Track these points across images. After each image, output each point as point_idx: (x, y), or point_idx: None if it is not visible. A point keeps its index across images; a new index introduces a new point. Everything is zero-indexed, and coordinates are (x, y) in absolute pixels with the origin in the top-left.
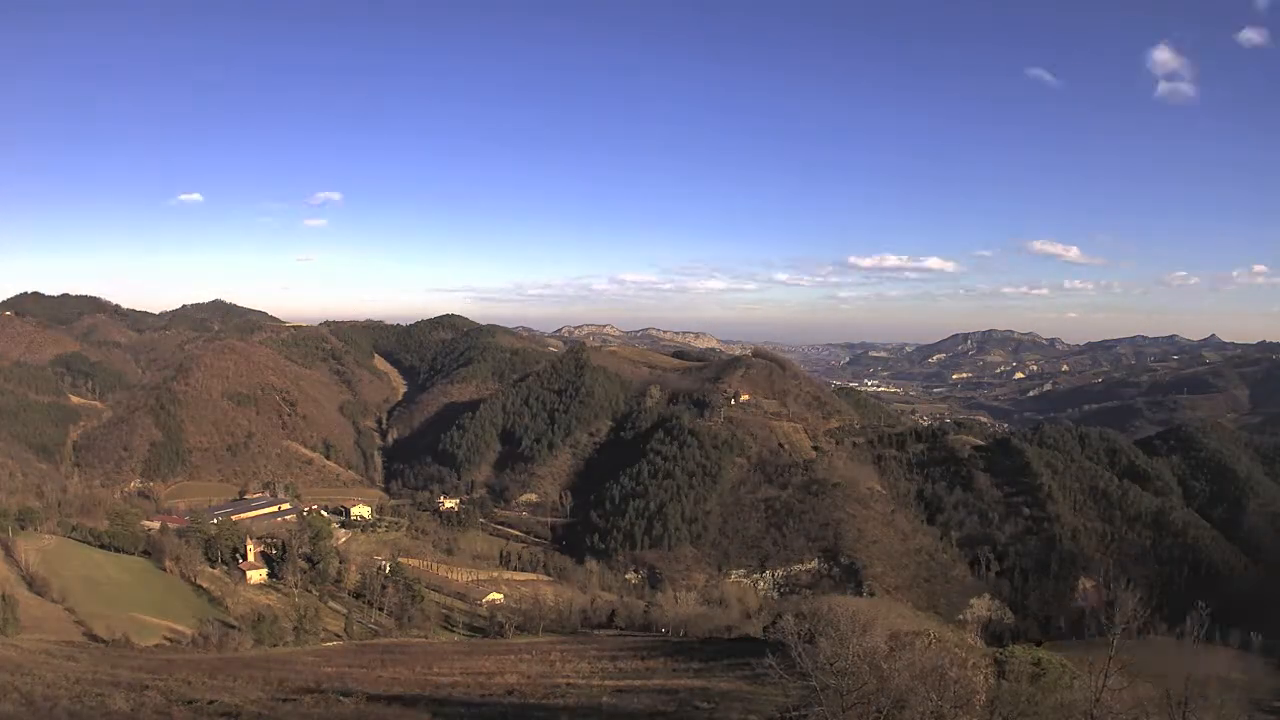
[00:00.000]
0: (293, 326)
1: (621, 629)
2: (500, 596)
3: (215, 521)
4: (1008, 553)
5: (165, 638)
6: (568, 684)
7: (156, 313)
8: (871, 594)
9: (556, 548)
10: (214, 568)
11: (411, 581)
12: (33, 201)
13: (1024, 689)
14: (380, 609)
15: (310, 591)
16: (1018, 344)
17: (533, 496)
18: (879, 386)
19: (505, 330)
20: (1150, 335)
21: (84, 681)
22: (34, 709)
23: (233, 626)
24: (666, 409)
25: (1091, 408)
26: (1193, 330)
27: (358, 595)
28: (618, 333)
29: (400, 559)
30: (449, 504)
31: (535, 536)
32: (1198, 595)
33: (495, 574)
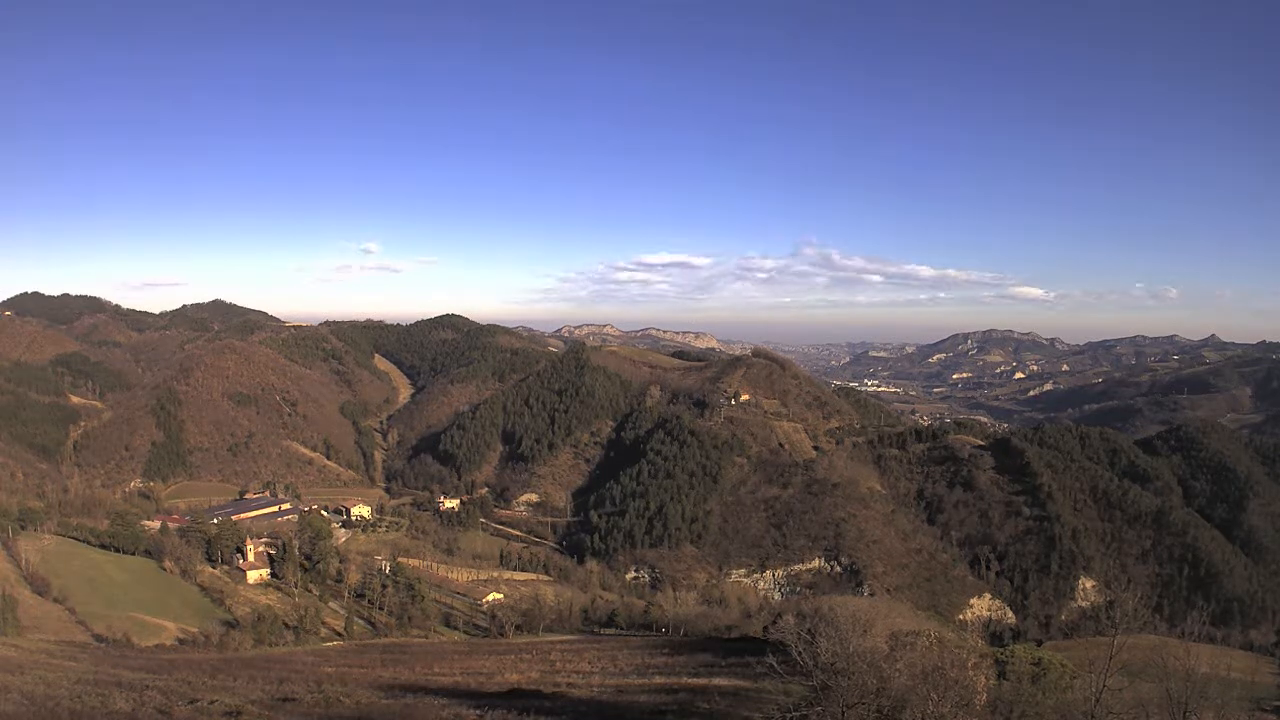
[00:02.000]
0: (293, 326)
1: (622, 629)
2: (500, 596)
3: (215, 521)
4: (1008, 553)
5: (178, 639)
6: (568, 683)
7: (156, 313)
8: (872, 594)
9: (557, 548)
10: (214, 568)
11: (412, 581)
12: (33, 201)
13: (1024, 689)
14: (380, 609)
15: (310, 591)
16: (1018, 344)
17: (533, 496)
18: (879, 386)
19: (505, 330)
20: (1150, 335)
21: (85, 681)
22: (36, 709)
23: (233, 626)
24: (667, 409)
25: (1091, 408)
26: (1193, 330)
27: (358, 595)
28: (617, 333)
29: (400, 559)
30: (449, 504)
31: (536, 536)
32: (1198, 595)
33: (495, 574)
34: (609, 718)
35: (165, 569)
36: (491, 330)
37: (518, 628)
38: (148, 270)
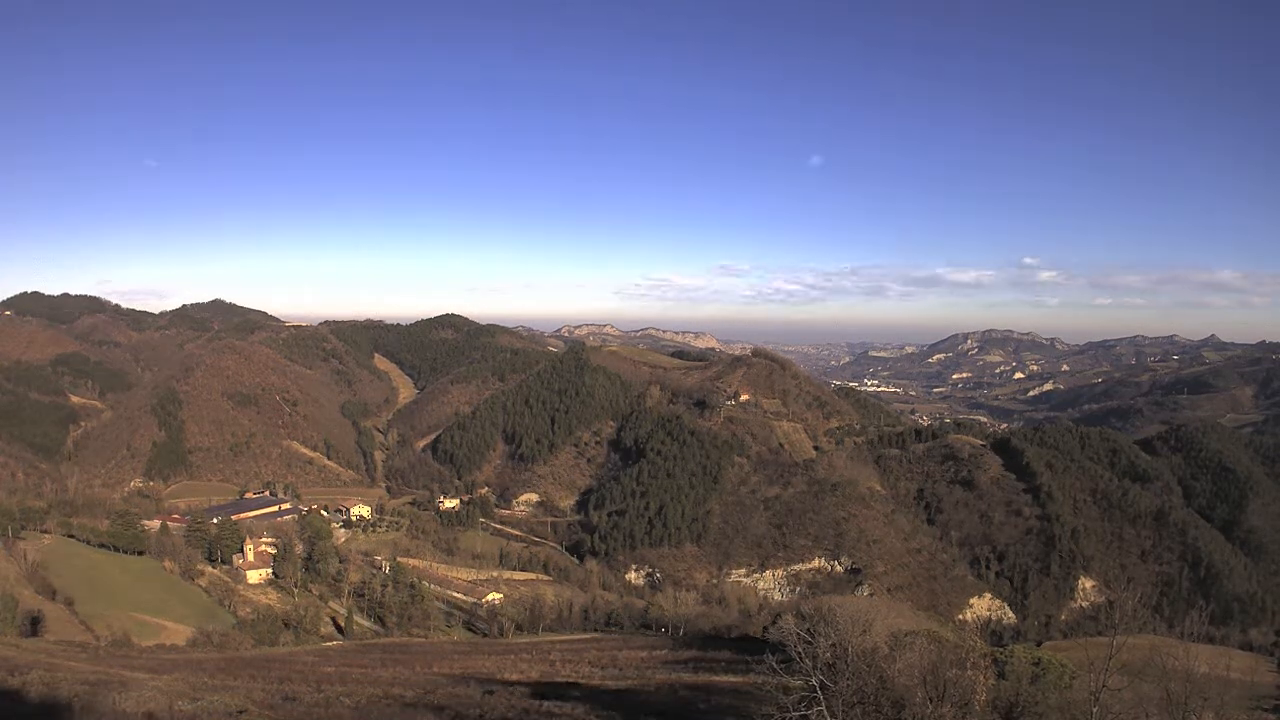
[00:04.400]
0: (293, 326)
1: (622, 629)
2: (500, 596)
3: (216, 521)
4: (1008, 553)
5: (180, 639)
6: (568, 683)
7: (156, 313)
8: (872, 594)
9: (557, 548)
10: (215, 568)
11: (412, 581)
12: (34, 202)
13: (1024, 689)
14: (380, 609)
15: (311, 591)
16: (1018, 344)
17: (533, 496)
18: (879, 386)
19: (505, 330)
20: (1150, 335)
21: (86, 681)
22: (39, 707)
23: (234, 626)
24: (667, 409)
25: (1091, 408)
26: (1193, 330)
27: (359, 595)
28: (617, 333)
29: (400, 559)
30: (449, 504)
31: (536, 536)
32: (1198, 595)
33: (495, 574)
34: (612, 714)
35: (166, 569)
36: (491, 330)
37: (518, 627)
38: (149, 270)
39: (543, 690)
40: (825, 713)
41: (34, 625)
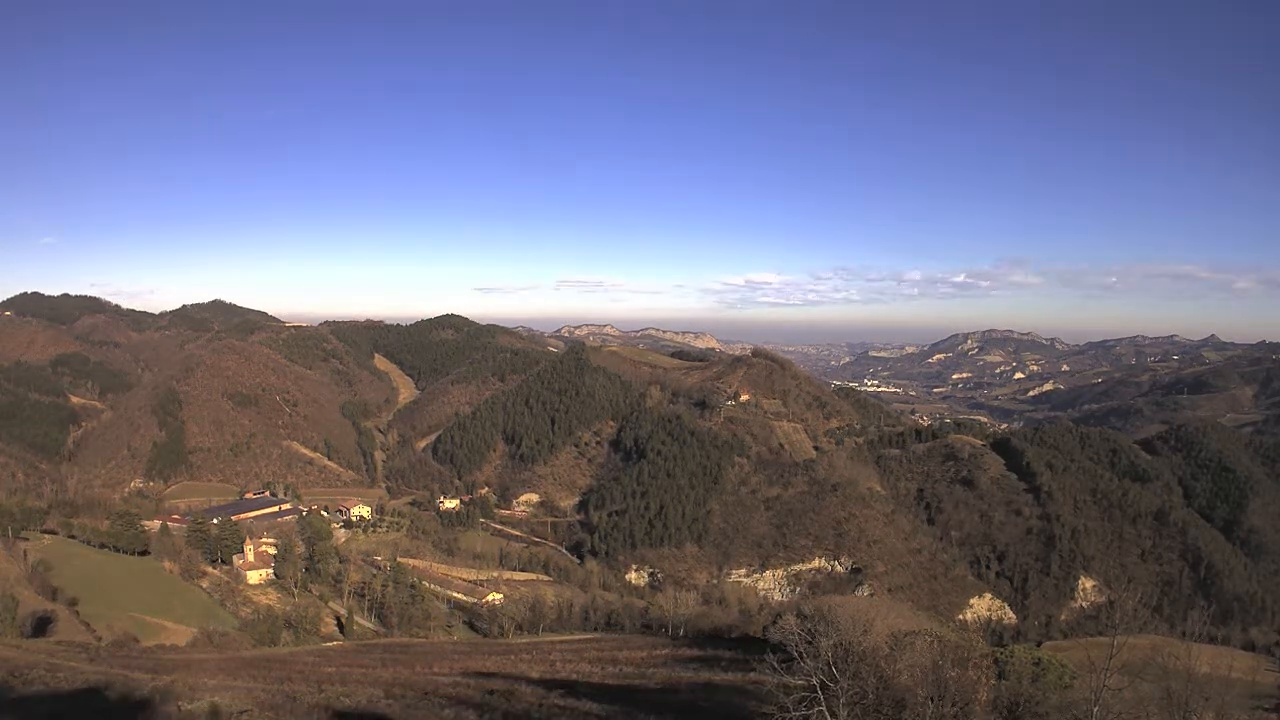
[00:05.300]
0: (293, 326)
1: (622, 628)
2: (501, 596)
3: (216, 522)
4: (1008, 553)
5: (180, 639)
6: (569, 682)
7: (156, 313)
8: (872, 594)
9: (557, 548)
10: (215, 568)
11: (412, 581)
12: (34, 202)
13: (1024, 689)
14: (381, 609)
15: (311, 592)
16: (1018, 344)
17: (534, 496)
18: (879, 386)
19: (505, 330)
20: (1150, 335)
21: (88, 682)
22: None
23: (234, 626)
24: (667, 409)
25: (1092, 408)
26: (1193, 330)
27: (359, 595)
28: (617, 333)
29: (400, 559)
30: (449, 504)
31: (536, 536)
32: (1198, 595)
33: (495, 574)
34: (614, 710)
35: (166, 569)
36: (491, 330)
37: (519, 628)
38: (149, 271)
39: (544, 688)
40: (825, 712)
41: (36, 626)
